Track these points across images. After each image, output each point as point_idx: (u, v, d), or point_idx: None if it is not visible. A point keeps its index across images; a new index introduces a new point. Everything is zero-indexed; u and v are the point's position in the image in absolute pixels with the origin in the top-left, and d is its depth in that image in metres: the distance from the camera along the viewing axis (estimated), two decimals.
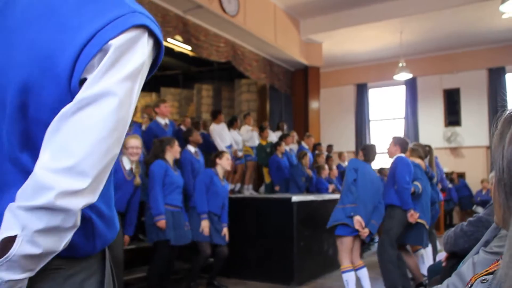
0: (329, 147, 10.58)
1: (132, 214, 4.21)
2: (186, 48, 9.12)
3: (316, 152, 9.37)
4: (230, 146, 7.69)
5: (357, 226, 4.12)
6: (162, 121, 5.97)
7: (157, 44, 0.92)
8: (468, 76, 11.76)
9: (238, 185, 8.24)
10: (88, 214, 0.91)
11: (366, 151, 4.48)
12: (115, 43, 0.81)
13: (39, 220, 0.77)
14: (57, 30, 0.83)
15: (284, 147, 8.18)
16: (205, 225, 4.73)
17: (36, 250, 0.78)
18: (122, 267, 4.12)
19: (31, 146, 0.85)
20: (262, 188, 8.74)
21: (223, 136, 7.56)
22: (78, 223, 0.82)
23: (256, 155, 8.40)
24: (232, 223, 5.36)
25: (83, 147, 0.79)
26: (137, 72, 0.85)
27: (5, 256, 0.76)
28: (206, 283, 5.11)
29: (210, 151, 7.67)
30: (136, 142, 4.19)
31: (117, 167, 3.94)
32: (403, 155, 4.64)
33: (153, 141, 4.82)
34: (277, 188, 7.88)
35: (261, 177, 8.80)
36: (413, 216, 4.45)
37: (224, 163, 4.98)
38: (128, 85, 0.83)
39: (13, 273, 0.78)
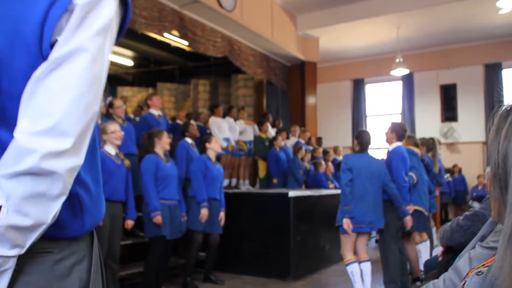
0: (319, 140, 10.50)
1: (130, 198, 4.23)
2: (182, 43, 9.10)
3: (310, 147, 9.38)
4: (228, 139, 7.72)
5: (345, 227, 4.17)
6: (156, 112, 6.02)
7: (123, 4, 0.92)
8: (464, 71, 11.78)
9: (234, 180, 8.25)
10: (75, 189, 0.90)
11: (360, 139, 4.45)
12: (79, 1, 0.80)
13: (24, 187, 0.75)
14: (19, 1, 0.82)
15: (281, 141, 8.20)
16: (204, 213, 4.75)
17: (24, 221, 0.76)
18: (118, 262, 4.12)
19: (8, 121, 0.83)
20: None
21: (221, 128, 7.62)
22: (66, 191, 0.81)
23: (253, 147, 8.43)
24: (229, 218, 5.36)
25: (61, 106, 0.78)
26: (106, 28, 0.85)
27: None
28: (203, 278, 5.12)
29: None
30: (115, 126, 4.20)
31: (103, 156, 3.92)
32: (399, 144, 4.61)
33: (142, 135, 4.76)
34: (275, 180, 7.92)
35: (256, 171, 8.82)
36: (411, 208, 4.48)
37: (214, 146, 5.00)
38: (99, 40, 0.83)
39: (2, 247, 0.76)
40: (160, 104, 6.25)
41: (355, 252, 4.31)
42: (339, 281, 5.26)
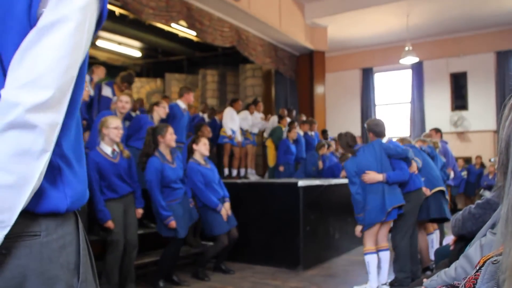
0: (324, 133, 10.44)
1: (136, 187, 4.21)
2: (190, 34, 9.08)
3: (322, 140, 9.36)
4: (234, 132, 7.76)
5: (356, 234, 4.29)
6: (183, 105, 6.07)
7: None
8: (475, 59, 11.64)
9: (243, 170, 8.28)
10: (56, 161, 0.93)
11: (371, 128, 4.38)
12: None
13: (9, 143, 0.79)
14: None
15: (295, 134, 8.21)
16: (224, 212, 4.78)
17: (9, 178, 0.78)
18: (136, 250, 4.16)
19: None
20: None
21: (234, 119, 7.72)
22: (49, 147, 0.85)
23: (271, 134, 8.56)
24: (238, 208, 5.38)
25: (45, 64, 0.84)
26: (87, 7, 0.91)
27: None
28: (213, 267, 5.15)
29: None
30: (118, 122, 4.06)
31: (99, 158, 3.89)
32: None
33: (147, 129, 4.58)
34: (281, 168, 7.96)
35: (265, 161, 8.86)
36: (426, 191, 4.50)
37: (201, 149, 4.82)
38: (81, 15, 0.90)
39: None
40: (191, 102, 6.41)
41: (376, 241, 4.29)
42: (349, 270, 5.26)
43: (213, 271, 5.09)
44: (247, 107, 8.62)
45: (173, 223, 4.24)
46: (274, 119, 9.08)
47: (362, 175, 4.19)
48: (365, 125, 4.49)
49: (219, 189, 4.92)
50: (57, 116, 0.86)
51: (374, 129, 4.37)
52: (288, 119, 9.12)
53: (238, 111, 8.09)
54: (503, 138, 0.79)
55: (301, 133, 8.84)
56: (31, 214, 0.87)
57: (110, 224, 3.86)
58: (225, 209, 4.84)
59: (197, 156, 4.84)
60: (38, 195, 0.87)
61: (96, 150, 3.99)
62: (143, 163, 4.35)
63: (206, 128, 6.07)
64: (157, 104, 5.52)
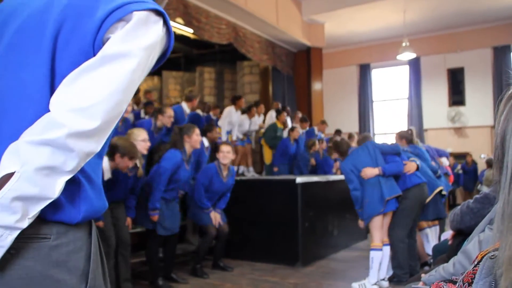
0: (338, 132, 10.45)
1: (132, 199, 4.22)
2: (187, 31, 9.05)
3: (323, 136, 9.34)
4: (229, 132, 7.74)
5: (360, 226, 4.44)
6: (187, 109, 6.06)
7: (167, 35, 1.02)
8: (472, 55, 11.65)
9: (242, 168, 8.27)
10: (78, 177, 0.94)
11: (339, 149, 4.69)
12: (138, 14, 0.93)
13: (41, 157, 0.81)
14: None
15: (298, 134, 8.13)
16: (213, 217, 4.83)
17: (32, 189, 0.81)
18: (129, 249, 4.15)
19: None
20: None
21: (232, 121, 7.67)
22: (75, 171, 0.87)
23: (264, 133, 8.43)
24: (237, 205, 5.39)
25: (100, 94, 0.86)
26: (155, 45, 0.96)
27: (1, 191, 0.79)
28: (212, 264, 5.15)
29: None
30: (145, 135, 4.08)
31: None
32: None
33: (173, 128, 4.65)
34: (275, 169, 7.91)
35: (262, 159, 8.83)
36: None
37: (220, 156, 4.81)
38: (146, 53, 0.93)
39: (5, 217, 0.79)
40: (195, 106, 6.42)
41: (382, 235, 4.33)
42: (348, 267, 5.27)
43: (211, 269, 5.10)
44: (246, 111, 8.24)
45: (155, 217, 4.24)
46: (271, 114, 8.91)
47: (361, 173, 4.29)
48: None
49: (215, 198, 4.96)
50: (96, 146, 0.89)
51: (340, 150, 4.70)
52: (288, 118, 9.09)
53: (240, 109, 7.96)
54: (498, 133, 0.79)
55: (301, 131, 8.83)
56: (42, 219, 0.88)
57: (100, 223, 3.83)
58: (215, 216, 4.89)
59: (221, 166, 4.86)
60: (53, 205, 0.88)
61: None
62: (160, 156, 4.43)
63: (214, 129, 5.98)
64: (161, 112, 5.38)
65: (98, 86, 0.86)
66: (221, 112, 8.22)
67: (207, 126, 6.04)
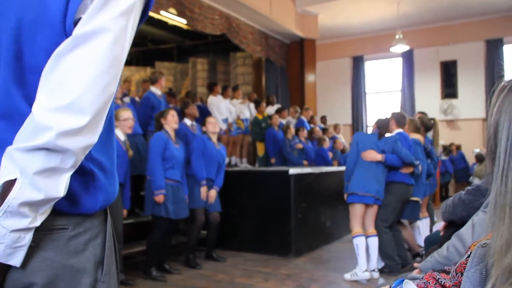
0: (323, 118, 10.53)
1: (127, 187, 4.23)
2: (180, 22, 8.99)
3: (311, 125, 9.39)
4: (226, 120, 7.73)
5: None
6: (158, 92, 5.99)
7: None
8: (465, 48, 11.68)
9: (234, 158, 8.26)
10: (89, 166, 0.92)
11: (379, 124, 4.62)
12: None
13: (37, 161, 0.77)
14: None
15: (279, 120, 8.20)
16: (204, 191, 4.81)
17: (36, 195, 0.78)
18: (122, 240, 4.14)
19: (29, 95, 0.85)
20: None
21: (220, 108, 7.63)
22: (76, 165, 0.83)
23: (250, 129, 8.43)
24: (229, 196, 5.39)
25: (81, 84, 0.79)
26: (130, 10, 0.86)
27: (6, 200, 0.77)
28: (205, 255, 5.16)
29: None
30: (129, 114, 4.18)
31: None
32: (401, 130, 4.65)
33: (146, 114, 4.72)
34: (273, 160, 7.93)
35: (255, 150, 8.84)
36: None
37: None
38: (122, 22, 0.84)
39: (15, 221, 0.78)
40: (164, 86, 6.31)
41: (363, 227, 4.40)
42: (340, 257, 5.30)
43: (204, 259, 5.11)
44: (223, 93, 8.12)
45: (161, 197, 4.25)
46: (251, 107, 8.78)
47: (362, 153, 4.38)
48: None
49: (212, 170, 4.94)
50: (92, 138, 0.83)
51: (398, 119, 4.67)
52: (273, 107, 9.09)
53: (217, 95, 7.87)
54: (491, 124, 0.80)
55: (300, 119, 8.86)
56: (60, 212, 0.87)
57: None
58: (210, 193, 4.91)
59: (210, 135, 4.99)
60: (69, 199, 0.87)
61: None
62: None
63: (192, 107, 5.93)
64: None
65: (78, 74, 0.79)
66: None
67: (182, 105, 6.02)
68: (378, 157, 4.32)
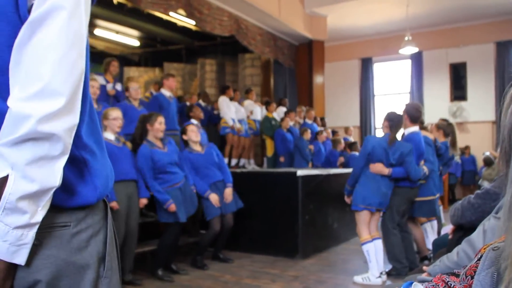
0: (322, 120, 10.43)
1: (139, 177, 4.24)
2: (189, 23, 9.02)
3: (319, 129, 9.38)
4: (234, 120, 7.76)
5: (347, 200, 4.53)
6: (167, 93, 6.04)
7: None
8: (475, 50, 11.60)
9: (242, 160, 8.28)
10: (80, 154, 0.92)
11: (391, 121, 4.49)
12: None
13: (26, 153, 0.78)
14: None
15: (289, 122, 8.26)
16: (213, 198, 4.75)
17: (32, 186, 0.78)
18: (136, 241, 4.17)
19: (2, 94, 0.84)
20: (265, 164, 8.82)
21: (230, 107, 7.70)
22: (67, 150, 0.83)
23: (261, 126, 8.49)
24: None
25: (47, 68, 0.78)
26: None
27: (2, 197, 0.77)
28: (212, 256, 5.17)
29: (214, 122, 7.89)
30: (118, 113, 4.10)
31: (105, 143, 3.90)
32: (416, 129, 4.56)
33: (139, 117, 4.59)
34: (281, 159, 7.98)
35: (264, 151, 8.85)
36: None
37: (191, 136, 4.80)
38: None
39: (15, 218, 0.78)
40: (174, 87, 6.31)
41: (369, 229, 4.38)
42: (347, 260, 5.29)
43: (211, 260, 5.11)
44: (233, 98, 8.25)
45: (173, 206, 4.24)
46: (263, 109, 8.95)
47: (370, 165, 4.29)
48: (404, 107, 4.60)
49: (213, 173, 4.88)
50: (73, 118, 0.83)
51: (411, 113, 4.54)
52: (284, 109, 9.12)
53: (230, 99, 8.01)
54: (505, 125, 0.78)
55: (301, 121, 8.86)
56: (61, 208, 0.88)
57: (114, 204, 3.86)
58: (225, 193, 4.86)
59: (191, 145, 4.86)
60: (68, 191, 0.88)
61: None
62: (134, 150, 4.37)
63: (197, 109, 6.01)
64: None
65: (42, 58, 0.78)
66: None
67: (188, 108, 6.06)
68: (385, 171, 4.25)
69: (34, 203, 0.80)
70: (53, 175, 0.81)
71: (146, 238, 5.07)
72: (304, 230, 5.36)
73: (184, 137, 4.89)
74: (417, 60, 12.30)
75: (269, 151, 8.46)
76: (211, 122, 8.28)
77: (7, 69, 0.81)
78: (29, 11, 0.81)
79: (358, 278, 4.32)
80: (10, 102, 0.79)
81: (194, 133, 4.88)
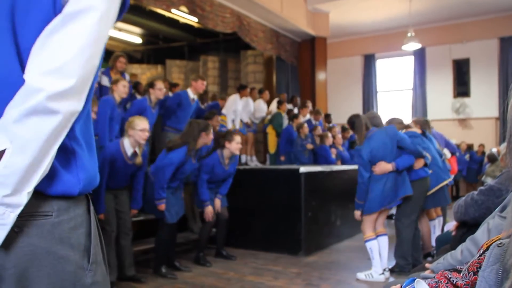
0: (327, 117, 10.37)
1: (136, 191, 4.20)
2: (191, 20, 9.02)
3: (314, 123, 9.27)
4: (232, 120, 7.74)
5: (356, 217, 4.35)
6: (192, 95, 6.04)
7: None
8: (478, 45, 11.56)
9: (244, 156, 8.27)
10: (70, 144, 0.95)
11: (352, 125, 4.45)
12: None
13: (28, 128, 0.82)
14: None
15: (302, 119, 8.17)
16: (209, 210, 4.75)
17: (25, 160, 0.81)
18: (129, 238, 4.16)
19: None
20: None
21: (237, 109, 7.68)
22: (64, 134, 0.88)
23: (272, 120, 8.44)
24: (240, 195, 5.40)
25: (68, 52, 0.85)
26: None
27: None
28: (215, 253, 5.17)
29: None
30: (146, 125, 3.93)
31: (118, 156, 3.86)
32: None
33: (189, 121, 4.59)
34: (282, 158, 7.92)
35: (266, 149, 8.83)
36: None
37: (233, 147, 4.77)
38: (107, 3, 0.90)
39: (4, 193, 0.81)
40: (201, 90, 6.28)
41: (374, 227, 4.35)
42: (350, 257, 5.29)
43: (214, 257, 5.12)
44: (249, 93, 8.31)
45: (163, 206, 4.27)
46: (273, 104, 8.95)
47: (373, 167, 4.20)
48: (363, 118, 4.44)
49: (216, 186, 4.95)
50: (78, 104, 0.88)
51: (373, 122, 4.42)
52: (291, 106, 9.09)
53: (242, 98, 7.96)
54: (511, 119, 0.77)
55: (308, 119, 8.82)
56: (43, 195, 0.90)
57: (101, 216, 3.85)
58: (214, 207, 4.87)
59: (225, 152, 4.80)
60: (51, 177, 0.90)
61: (118, 144, 3.91)
62: (169, 148, 4.38)
63: (216, 118, 6.01)
64: (152, 86, 5.42)
65: (67, 45, 0.85)
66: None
67: (208, 114, 6.05)
68: (389, 167, 4.16)
69: (23, 182, 0.82)
70: (47, 155, 0.85)
71: (148, 235, 5.08)
72: (307, 227, 5.35)
73: (227, 144, 4.77)
74: (420, 56, 12.27)
75: (272, 148, 8.44)
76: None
77: (29, 48, 0.87)
78: (63, 5, 0.88)
79: (361, 275, 4.32)
80: (26, 75, 0.84)
81: (238, 146, 4.81)
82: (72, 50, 0.85)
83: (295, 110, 8.94)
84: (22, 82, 0.86)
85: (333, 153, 8.02)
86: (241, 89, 7.95)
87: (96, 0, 0.88)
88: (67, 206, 0.94)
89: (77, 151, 0.96)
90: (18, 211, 0.83)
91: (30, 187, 0.84)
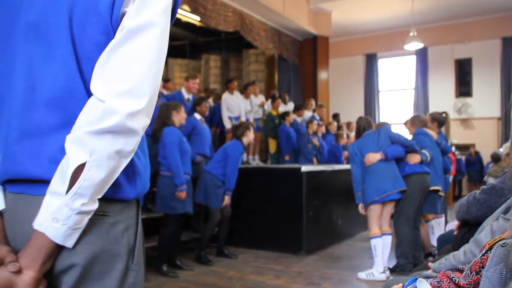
0: (335, 117, 10.44)
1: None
2: (193, 18, 9.00)
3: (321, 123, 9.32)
4: (238, 118, 7.69)
5: (360, 211, 4.45)
6: (186, 95, 6.05)
7: None
8: (481, 45, 11.53)
9: (245, 155, 8.25)
10: None
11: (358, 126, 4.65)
12: None
13: (106, 144, 0.86)
14: None
15: (293, 117, 8.15)
16: (228, 199, 4.91)
17: (102, 176, 0.86)
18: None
19: (85, 81, 0.93)
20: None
21: (232, 106, 7.59)
22: (135, 149, 0.92)
23: (263, 124, 8.41)
24: (241, 194, 5.40)
25: (138, 71, 0.89)
26: (168, 8, 0.96)
27: (76, 183, 0.84)
28: (216, 252, 5.18)
29: (214, 120, 7.75)
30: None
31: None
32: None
33: (160, 105, 4.69)
34: (287, 157, 7.91)
35: (267, 147, 8.82)
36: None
37: (251, 136, 5.10)
38: (165, 17, 0.95)
39: (84, 204, 0.85)
40: (194, 89, 6.32)
41: (380, 224, 4.37)
42: (351, 256, 5.29)
43: (216, 256, 5.13)
44: (242, 91, 8.15)
45: (184, 193, 4.28)
46: (268, 104, 8.76)
47: (365, 160, 4.33)
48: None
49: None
50: (148, 119, 0.92)
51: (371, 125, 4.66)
52: (288, 105, 9.05)
53: (233, 92, 7.80)
54: None
55: (310, 114, 8.81)
56: (103, 198, 0.93)
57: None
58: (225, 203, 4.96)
59: (244, 141, 5.05)
60: (114, 185, 0.93)
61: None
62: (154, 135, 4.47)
63: (205, 105, 6.00)
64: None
65: (134, 63, 0.88)
66: None
67: (196, 100, 6.07)
68: (377, 156, 4.27)
69: (98, 192, 0.88)
70: (118, 169, 0.90)
71: (150, 233, 5.09)
72: (308, 226, 5.35)
73: (248, 132, 5.05)
74: (422, 56, 12.25)
75: (272, 148, 8.42)
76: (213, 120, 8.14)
77: (90, 60, 0.92)
78: (120, 19, 0.91)
79: (362, 274, 4.32)
80: (96, 92, 0.87)
81: (252, 135, 5.18)
82: (142, 69, 0.89)
83: (287, 107, 8.88)
84: (85, 93, 0.91)
85: (344, 155, 8.10)
86: (228, 84, 7.81)
87: (156, 16, 0.92)
88: (122, 208, 0.99)
89: (134, 160, 0.99)
90: (90, 215, 0.88)
91: (101, 195, 0.89)
